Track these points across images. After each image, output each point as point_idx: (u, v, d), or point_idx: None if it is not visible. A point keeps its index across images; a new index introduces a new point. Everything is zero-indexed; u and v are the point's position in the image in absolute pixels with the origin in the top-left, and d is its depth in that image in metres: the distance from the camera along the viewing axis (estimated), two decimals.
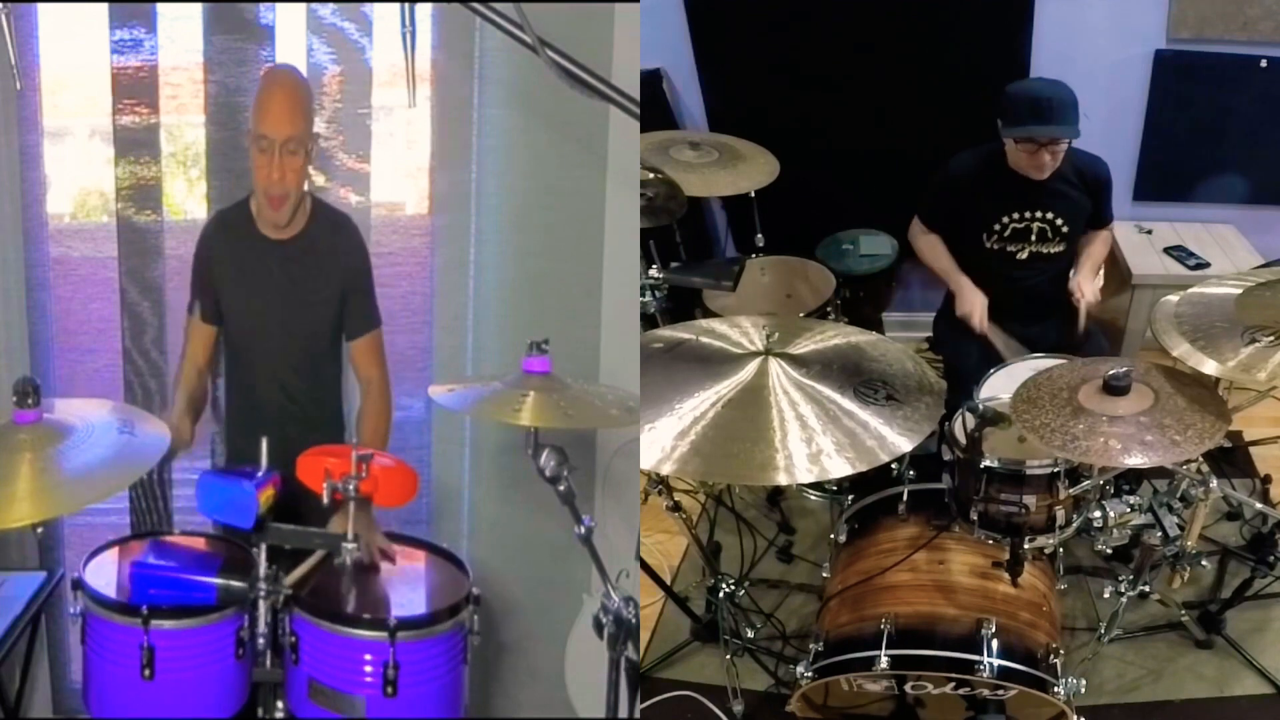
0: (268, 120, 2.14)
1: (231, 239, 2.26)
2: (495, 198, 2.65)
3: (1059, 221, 2.74)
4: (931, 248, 2.92)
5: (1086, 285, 2.73)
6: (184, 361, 2.30)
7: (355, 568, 1.97)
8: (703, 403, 1.85)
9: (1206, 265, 3.36)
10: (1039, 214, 2.73)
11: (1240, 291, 2.13)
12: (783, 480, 1.74)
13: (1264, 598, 2.57)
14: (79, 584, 1.89)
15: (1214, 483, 2.08)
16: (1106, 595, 2.26)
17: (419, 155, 2.69)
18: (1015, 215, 2.73)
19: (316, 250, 2.27)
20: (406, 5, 1.71)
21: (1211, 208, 3.60)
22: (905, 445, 1.81)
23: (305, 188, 2.25)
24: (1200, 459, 2.13)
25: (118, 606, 1.84)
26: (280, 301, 2.26)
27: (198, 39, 2.48)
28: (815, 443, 1.76)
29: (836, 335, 2.15)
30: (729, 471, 1.81)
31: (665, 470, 1.75)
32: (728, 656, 2.49)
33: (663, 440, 1.78)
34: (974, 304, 2.76)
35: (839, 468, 1.74)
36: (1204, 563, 2.20)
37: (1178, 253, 3.43)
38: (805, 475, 1.73)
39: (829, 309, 2.98)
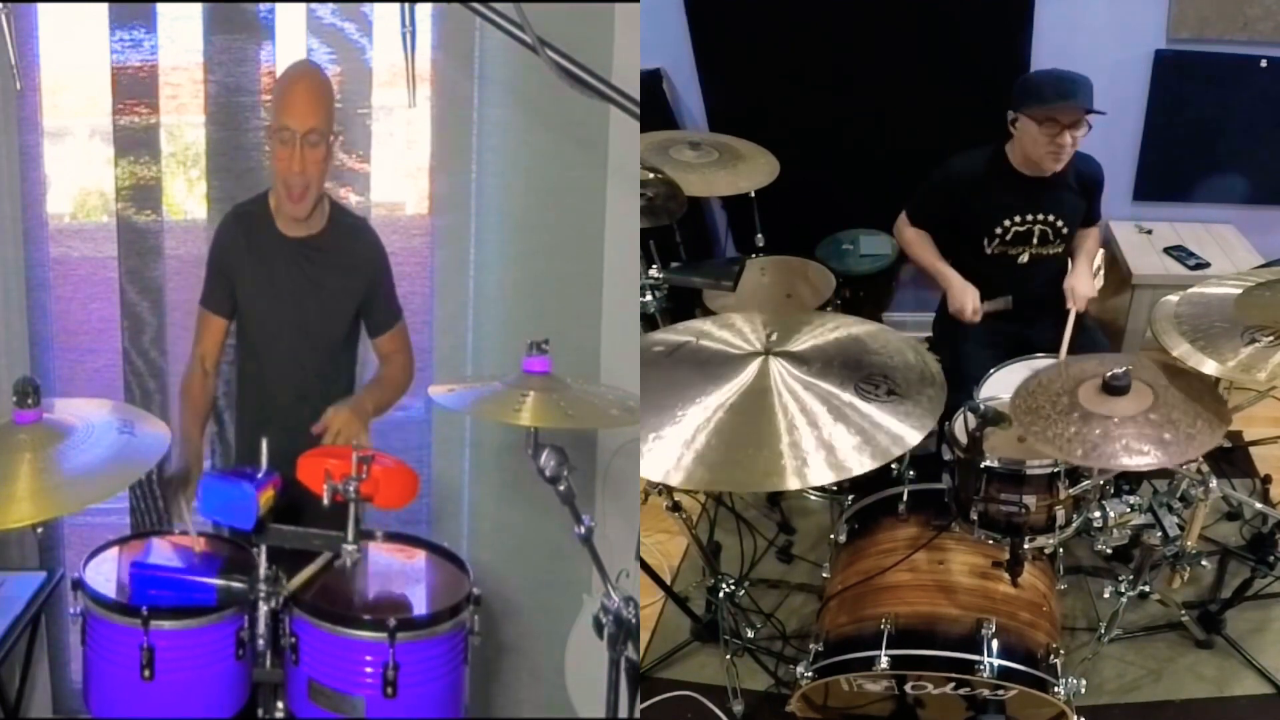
0: (290, 111, 2.14)
1: (250, 234, 2.25)
2: (495, 198, 2.65)
3: (1059, 223, 2.73)
4: (920, 242, 2.87)
5: (1081, 285, 2.70)
6: (193, 361, 2.30)
7: (356, 567, 1.97)
8: (706, 409, 1.84)
9: (1206, 265, 3.36)
10: (1040, 216, 2.71)
11: (1240, 291, 2.13)
12: (790, 485, 1.73)
13: (1264, 598, 2.57)
14: (79, 584, 1.89)
15: (1214, 483, 2.08)
16: (1106, 595, 2.26)
17: (419, 155, 2.69)
18: (1018, 219, 2.71)
19: (334, 250, 2.27)
20: (406, 5, 1.71)
21: (1211, 208, 3.60)
22: (910, 440, 1.79)
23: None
24: (1200, 459, 2.12)
25: (117, 607, 1.84)
26: (297, 299, 2.26)
27: (198, 39, 2.48)
28: (821, 443, 1.75)
29: (836, 327, 2.13)
30: (735, 479, 1.79)
31: (673, 482, 1.74)
32: (728, 656, 2.49)
33: (669, 450, 1.77)
34: (964, 300, 2.72)
35: (832, 472, 1.72)
36: (1204, 563, 2.20)
37: (1178, 253, 3.43)
38: (811, 479, 1.71)
39: (829, 309, 2.98)
